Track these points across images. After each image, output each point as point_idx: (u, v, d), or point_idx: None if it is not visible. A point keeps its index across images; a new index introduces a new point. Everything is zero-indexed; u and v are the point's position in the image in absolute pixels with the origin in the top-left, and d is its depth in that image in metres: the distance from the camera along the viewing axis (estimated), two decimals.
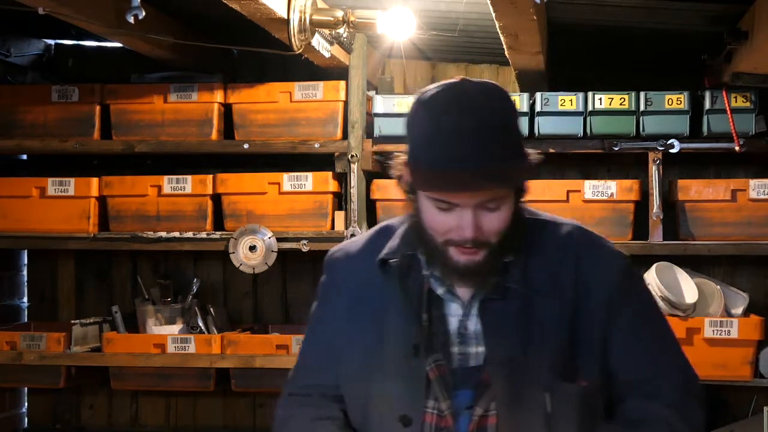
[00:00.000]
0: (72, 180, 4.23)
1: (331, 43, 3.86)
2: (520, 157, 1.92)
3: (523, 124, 4.00)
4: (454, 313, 2.01)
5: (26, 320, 4.74)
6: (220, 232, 4.17)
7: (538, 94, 4.00)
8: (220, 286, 4.68)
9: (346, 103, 4.13)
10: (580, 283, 1.99)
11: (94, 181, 4.24)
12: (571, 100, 3.98)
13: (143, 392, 4.67)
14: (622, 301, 2.00)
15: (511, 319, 1.96)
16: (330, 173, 4.15)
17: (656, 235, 3.98)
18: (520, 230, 1.98)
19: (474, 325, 1.98)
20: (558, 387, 1.93)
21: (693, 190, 4.01)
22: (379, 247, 2.08)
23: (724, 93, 3.91)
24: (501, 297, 1.97)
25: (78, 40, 4.73)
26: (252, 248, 4.10)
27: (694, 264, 4.16)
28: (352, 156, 4.09)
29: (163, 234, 4.18)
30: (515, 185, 1.93)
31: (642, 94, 3.95)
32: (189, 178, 4.21)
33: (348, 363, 2.04)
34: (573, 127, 3.99)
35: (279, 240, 4.11)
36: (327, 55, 3.86)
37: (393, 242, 2.07)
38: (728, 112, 3.91)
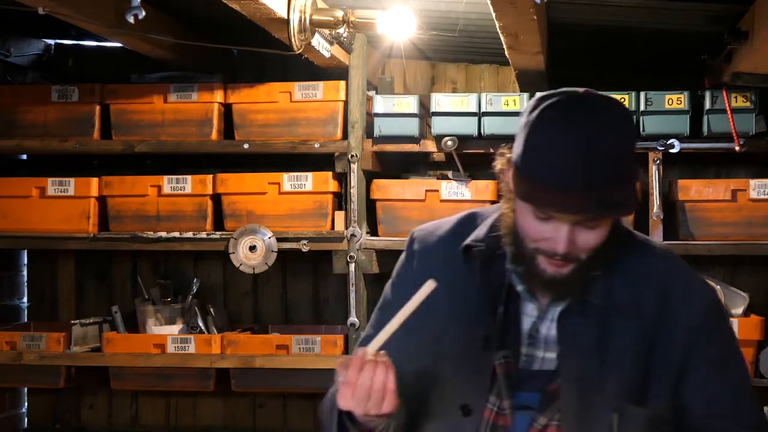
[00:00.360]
0: (72, 180, 4.23)
1: (331, 43, 3.86)
2: (632, 182, 1.86)
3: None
4: (529, 313, 1.98)
5: (26, 320, 4.74)
6: (220, 232, 4.17)
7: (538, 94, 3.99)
8: (220, 286, 4.68)
9: (346, 103, 4.13)
10: (666, 311, 1.96)
11: (94, 181, 4.24)
12: None
13: (143, 392, 4.67)
14: (709, 337, 1.97)
15: (588, 335, 1.93)
16: (330, 173, 4.14)
17: (656, 235, 3.97)
18: (612, 247, 1.94)
19: (546, 329, 1.97)
20: (626, 409, 1.92)
21: (693, 190, 4.01)
22: (465, 233, 2.04)
23: (724, 93, 3.91)
24: (581, 311, 1.94)
25: (78, 40, 4.73)
26: (252, 248, 4.10)
27: (694, 264, 4.12)
28: (352, 156, 4.09)
29: (163, 234, 4.18)
30: (626, 214, 1.87)
31: (642, 94, 3.95)
32: (189, 178, 4.21)
33: (416, 343, 2.00)
34: None
35: (279, 240, 4.11)
36: (327, 55, 3.86)
37: (480, 230, 2.03)
38: (728, 112, 3.91)
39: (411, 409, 2.00)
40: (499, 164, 1.96)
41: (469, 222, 2.08)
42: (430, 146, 4.15)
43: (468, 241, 2.02)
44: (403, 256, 2.13)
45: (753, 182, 3.98)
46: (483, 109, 4.01)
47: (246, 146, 4.17)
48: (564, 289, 1.92)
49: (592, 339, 1.93)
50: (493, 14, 3.05)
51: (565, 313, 1.95)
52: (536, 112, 1.87)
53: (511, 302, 1.98)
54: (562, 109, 1.87)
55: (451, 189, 4.10)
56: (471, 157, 4.23)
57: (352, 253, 4.09)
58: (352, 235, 4.09)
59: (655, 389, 1.94)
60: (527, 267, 1.92)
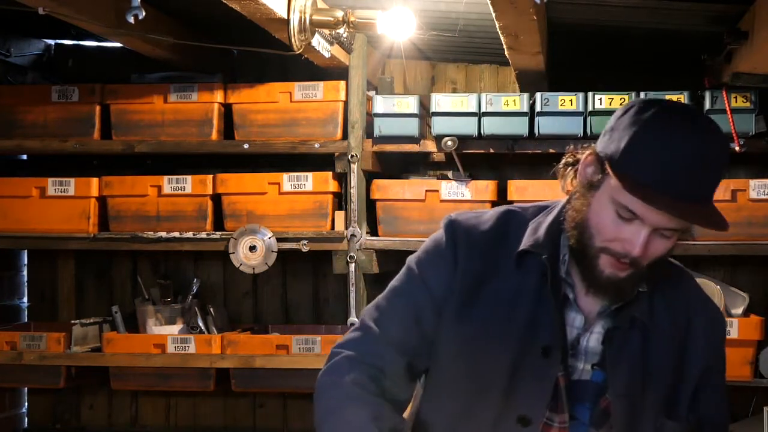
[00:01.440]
0: (72, 180, 4.23)
1: (331, 43, 3.86)
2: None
3: (523, 124, 4.01)
4: (575, 324, 2.00)
5: (26, 320, 4.74)
6: (220, 232, 4.17)
7: (538, 94, 4.00)
8: (220, 286, 4.69)
9: (346, 103, 4.13)
10: (692, 333, 2.04)
11: (94, 181, 4.24)
12: (571, 100, 3.98)
13: (143, 392, 4.67)
14: (719, 360, 2.09)
15: (634, 352, 1.98)
16: (330, 173, 4.14)
17: None
18: (663, 263, 1.99)
19: (586, 341, 1.99)
20: (663, 425, 1.99)
21: None
22: (507, 233, 2.02)
23: (724, 93, 3.91)
24: (628, 327, 1.98)
25: (78, 40, 4.73)
26: (252, 248, 4.10)
27: (694, 264, 4.16)
28: (352, 156, 4.09)
29: (163, 234, 4.18)
30: (724, 229, 1.90)
31: (642, 94, 3.95)
32: (189, 178, 4.21)
33: (458, 344, 1.99)
34: (573, 127, 3.99)
35: (279, 240, 4.11)
36: (327, 55, 3.86)
37: (537, 234, 2.00)
38: (728, 112, 3.91)
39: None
40: (583, 155, 1.96)
41: (511, 221, 2.05)
42: (430, 146, 4.15)
43: (526, 246, 1.99)
44: (440, 237, 2.05)
45: (753, 182, 3.98)
46: (483, 109, 4.01)
47: (246, 146, 4.17)
48: (616, 293, 1.94)
49: (637, 356, 1.97)
50: (493, 14, 3.05)
51: (613, 329, 1.98)
52: (649, 114, 1.87)
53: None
54: (681, 117, 1.88)
55: (451, 189, 4.10)
56: (471, 157, 4.23)
57: (352, 253, 4.09)
58: (352, 235, 4.09)
59: (681, 405, 2.02)
60: (587, 265, 1.93)
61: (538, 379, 1.95)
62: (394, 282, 2.09)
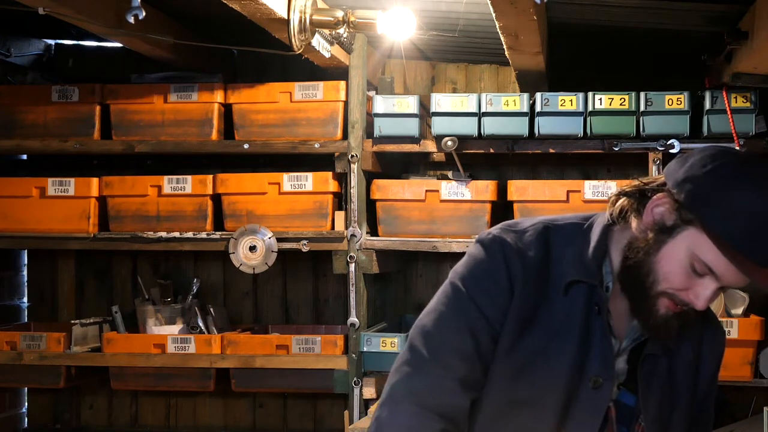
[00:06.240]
0: (72, 180, 4.23)
1: (331, 43, 3.86)
2: None
3: (523, 124, 4.01)
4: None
5: (26, 320, 4.74)
6: (220, 233, 4.17)
7: (538, 94, 4.00)
8: (220, 286, 4.69)
9: (346, 103, 4.13)
10: (702, 349, 2.07)
11: (94, 181, 4.24)
12: (571, 100, 3.98)
13: (143, 392, 4.67)
14: (718, 372, 2.14)
15: (661, 377, 2.00)
16: (330, 173, 4.14)
17: None
18: None
19: (617, 363, 2.00)
20: None
21: None
22: (550, 256, 1.97)
23: (724, 93, 3.90)
24: (660, 353, 2.00)
25: (78, 40, 4.73)
26: (252, 248, 4.10)
27: None
28: (352, 156, 4.09)
29: (163, 234, 4.18)
30: None
31: (642, 95, 3.95)
32: (189, 178, 4.21)
33: (510, 374, 1.96)
34: (573, 127, 3.99)
35: (279, 240, 4.11)
36: (327, 55, 3.86)
37: (584, 261, 1.96)
38: (728, 112, 3.90)
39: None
40: (655, 197, 1.89)
41: (551, 242, 1.99)
42: (430, 146, 4.15)
43: (576, 276, 1.95)
44: (489, 260, 1.97)
45: None
46: (483, 110, 4.01)
47: (246, 146, 4.17)
48: (667, 332, 1.94)
49: (665, 379, 2.00)
50: (493, 14, 3.05)
51: (645, 356, 1.99)
52: (738, 172, 1.82)
53: None
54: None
55: (451, 189, 4.10)
56: (471, 157, 4.23)
57: (352, 253, 4.09)
58: (352, 235, 4.09)
59: (694, 422, 2.07)
60: (643, 305, 1.92)
61: (591, 409, 1.95)
62: (439, 306, 1.99)
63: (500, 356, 1.96)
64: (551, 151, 4.04)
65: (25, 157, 4.76)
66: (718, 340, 2.12)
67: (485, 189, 4.09)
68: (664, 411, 1.99)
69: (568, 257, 1.96)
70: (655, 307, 1.90)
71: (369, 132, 4.15)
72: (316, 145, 4.13)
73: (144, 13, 3.08)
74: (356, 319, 4.10)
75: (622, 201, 1.95)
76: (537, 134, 4.01)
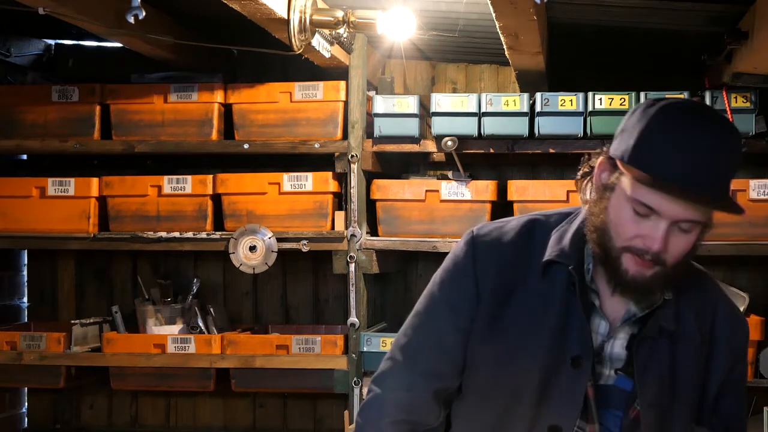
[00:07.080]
0: (72, 180, 4.23)
1: (331, 43, 3.86)
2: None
3: (523, 124, 4.01)
4: (599, 330, 2.00)
5: (26, 320, 4.74)
6: (220, 232, 4.17)
7: (538, 94, 4.00)
8: (220, 286, 4.69)
9: (346, 103, 4.13)
10: (716, 338, 2.06)
11: (94, 181, 4.24)
12: (571, 100, 3.98)
13: (143, 392, 4.68)
14: (741, 364, 2.13)
15: (661, 361, 1.99)
16: (330, 173, 4.14)
17: None
18: (688, 267, 2.01)
19: (610, 347, 1.99)
20: (693, 431, 2.03)
21: None
22: (531, 243, 2.02)
23: (724, 93, 3.91)
24: (656, 336, 1.99)
25: (78, 40, 4.73)
26: (252, 248, 4.10)
27: None
28: (352, 156, 4.09)
29: (163, 234, 4.18)
30: (739, 213, 1.92)
31: (642, 95, 3.95)
32: (189, 178, 4.21)
33: (489, 358, 2.00)
34: (573, 127, 3.99)
35: (279, 240, 4.11)
36: (327, 55, 3.86)
37: (562, 244, 2.00)
38: (728, 112, 3.91)
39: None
40: (596, 162, 1.96)
41: (535, 231, 2.04)
42: (430, 146, 4.15)
43: (552, 256, 1.99)
44: (459, 254, 2.05)
45: (753, 182, 3.98)
46: (483, 110, 4.01)
47: (246, 146, 4.17)
48: (641, 293, 1.95)
49: (665, 365, 1.99)
50: (493, 14, 3.05)
51: (641, 338, 1.98)
52: (654, 109, 1.88)
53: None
54: (687, 110, 1.89)
55: (451, 189, 4.10)
56: (471, 157, 4.23)
57: (352, 253, 4.09)
58: (352, 235, 4.09)
59: (705, 409, 2.05)
60: (611, 267, 1.93)
61: (569, 389, 1.96)
62: (418, 305, 2.09)
63: (477, 341, 2.01)
64: (551, 151, 4.04)
65: (25, 157, 4.76)
66: (736, 329, 2.09)
67: (485, 189, 4.09)
68: (664, 397, 1.98)
69: (551, 242, 2.01)
70: (622, 266, 1.91)
71: (369, 132, 4.15)
72: (316, 145, 4.13)
73: (144, 13, 3.08)
74: (356, 319, 4.10)
75: (584, 183, 2.01)
76: (537, 134, 4.01)
